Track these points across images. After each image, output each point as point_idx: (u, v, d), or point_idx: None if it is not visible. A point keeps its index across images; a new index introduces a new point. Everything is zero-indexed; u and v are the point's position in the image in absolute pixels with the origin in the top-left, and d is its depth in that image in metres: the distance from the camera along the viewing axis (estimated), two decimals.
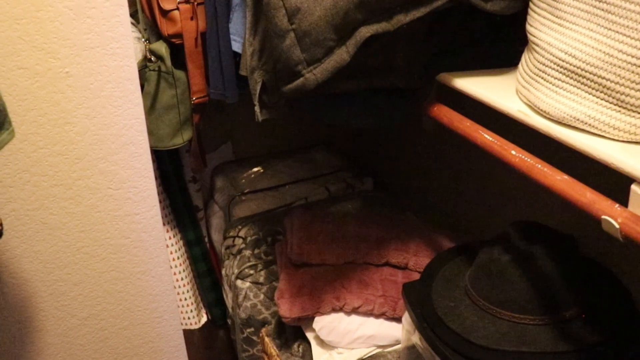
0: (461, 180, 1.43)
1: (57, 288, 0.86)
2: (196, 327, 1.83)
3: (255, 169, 1.77)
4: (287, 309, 1.26)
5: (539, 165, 0.79)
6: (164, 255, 0.89)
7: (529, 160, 0.80)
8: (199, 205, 1.75)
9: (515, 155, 0.81)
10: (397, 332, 1.29)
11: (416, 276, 1.31)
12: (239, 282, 1.46)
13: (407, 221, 1.42)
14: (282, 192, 1.71)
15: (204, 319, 1.86)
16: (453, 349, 0.94)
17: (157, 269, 0.90)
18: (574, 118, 0.74)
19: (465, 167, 1.41)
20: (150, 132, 1.33)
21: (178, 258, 1.71)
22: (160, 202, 1.63)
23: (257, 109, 0.96)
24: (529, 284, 0.94)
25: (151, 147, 1.35)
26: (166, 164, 1.64)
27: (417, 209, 1.63)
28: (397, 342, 1.31)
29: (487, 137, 0.85)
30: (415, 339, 1.08)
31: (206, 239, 1.79)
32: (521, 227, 1.01)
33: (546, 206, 1.19)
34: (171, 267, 1.70)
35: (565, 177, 0.76)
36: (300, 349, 1.36)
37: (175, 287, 1.73)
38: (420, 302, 1.04)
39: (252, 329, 1.52)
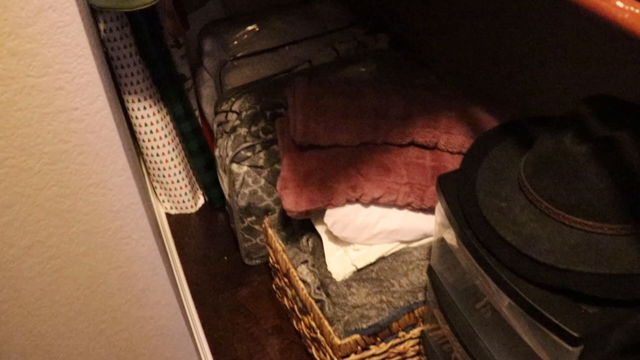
0: (504, 37, 1.14)
1: None
2: (192, 210, 1.64)
3: (250, 28, 1.48)
4: (292, 202, 1.04)
5: None
6: (121, 160, 0.66)
7: None
8: (185, 74, 1.48)
9: (624, 8, 0.54)
10: (425, 224, 1.09)
11: (447, 158, 1.08)
12: (234, 167, 1.23)
13: (435, 90, 1.16)
14: (282, 55, 1.43)
15: (201, 201, 1.66)
16: (510, 268, 0.73)
17: (114, 178, 0.67)
18: None
19: (508, 18, 1.12)
20: None
21: (166, 136, 1.48)
22: (139, 72, 1.37)
23: None
24: (611, 183, 0.71)
25: (112, 9, 1.06)
26: (141, 27, 1.36)
27: (443, 74, 1.36)
28: (425, 236, 1.11)
29: None
30: (450, 238, 0.87)
31: (197, 113, 1.55)
32: (599, 105, 0.76)
33: (627, 77, 0.92)
34: (159, 147, 1.48)
35: None
36: (310, 244, 1.17)
37: (165, 169, 1.52)
38: (461, 200, 0.82)
39: (254, 218, 1.32)
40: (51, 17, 0.55)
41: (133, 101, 1.41)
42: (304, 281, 1.13)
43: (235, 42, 1.46)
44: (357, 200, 1.05)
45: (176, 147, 1.52)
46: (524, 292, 0.70)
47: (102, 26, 1.32)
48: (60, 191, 0.65)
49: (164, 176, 1.54)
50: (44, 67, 0.57)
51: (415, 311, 1.06)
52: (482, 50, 1.21)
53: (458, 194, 0.83)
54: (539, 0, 1.01)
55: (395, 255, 1.10)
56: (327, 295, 1.08)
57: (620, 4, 0.54)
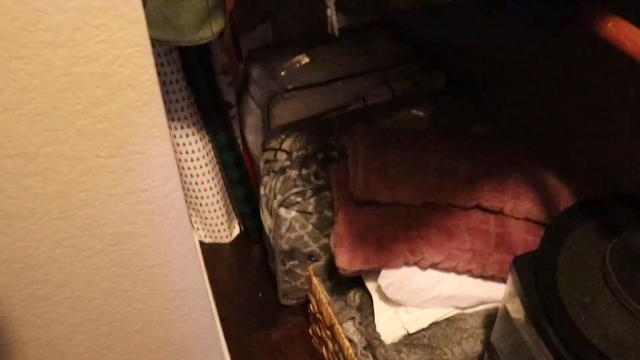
0: (581, 91, 1.07)
1: (33, 292, 0.59)
2: (227, 240, 1.59)
3: (300, 58, 1.42)
4: (346, 260, 0.98)
5: None
6: (189, 241, 0.60)
7: None
8: (231, 102, 1.43)
9: None
10: (483, 291, 1.02)
11: (512, 224, 1.01)
12: (282, 211, 1.18)
13: (500, 145, 1.09)
14: (334, 89, 1.37)
15: (236, 231, 1.61)
16: None
17: (179, 260, 0.61)
18: None
19: (591, 70, 1.04)
20: (168, 22, 0.99)
21: (206, 165, 1.42)
22: (184, 99, 1.32)
23: (331, 13, 0.62)
24: None
25: (168, 42, 1.01)
26: (191, 52, 1.31)
27: (503, 122, 1.29)
28: (481, 303, 1.04)
29: None
30: (515, 310, 0.81)
31: (239, 140, 1.49)
32: None
33: None
34: (198, 175, 1.43)
35: None
36: (357, 298, 1.11)
37: (203, 197, 1.47)
38: (540, 289, 0.76)
39: (296, 262, 1.27)
40: (129, 96, 0.50)
41: (176, 127, 1.36)
42: (350, 340, 1.07)
43: (285, 72, 1.40)
44: (415, 264, 0.99)
45: (216, 176, 1.47)
46: None
47: None
48: (119, 271, 0.60)
49: (200, 205, 1.49)
50: (115, 147, 0.52)
51: None
52: (550, 106, 1.14)
53: (536, 281, 0.76)
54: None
55: (449, 321, 1.04)
56: (375, 357, 1.03)
57: None
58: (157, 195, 0.56)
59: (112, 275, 0.60)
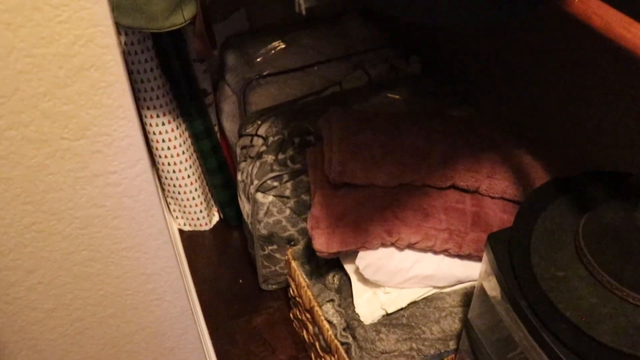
0: (555, 71, 1.08)
1: (3, 278, 0.58)
2: (206, 228, 1.58)
3: (276, 44, 1.41)
4: (323, 243, 0.98)
5: None
6: (159, 223, 0.60)
7: None
8: (207, 89, 1.42)
9: None
10: (460, 270, 1.03)
11: (488, 203, 1.02)
12: (259, 196, 1.18)
13: (474, 127, 1.10)
14: (310, 74, 1.37)
15: (215, 218, 1.61)
16: (569, 348, 0.67)
17: (150, 242, 0.61)
18: None
19: (565, 50, 1.05)
20: (139, 8, 0.98)
21: (183, 153, 1.42)
22: (159, 87, 1.31)
23: None
24: None
25: (139, 29, 1.00)
26: (164, 40, 1.30)
27: (478, 105, 1.29)
28: (459, 282, 1.05)
29: None
30: (491, 288, 0.82)
31: (216, 128, 1.49)
32: None
33: None
34: (176, 164, 1.42)
35: None
36: (336, 281, 1.11)
37: (181, 186, 1.46)
38: (515, 265, 0.76)
39: (275, 246, 1.27)
40: (92, 77, 0.49)
41: (152, 116, 1.35)
42: (329, 322, 1.07)
43: (260, 59, 1.40)
44: (393, 245, 0.99)
45: (193, 164, 1.46)
46: None
47: (122, 38, 1.26)
48: (90, 255, 0.60)
49: (179, 193, 1.49)
50: (80, 129, 0.51)
51: (445, 359, 1.01)
52: (525, 88, 1.15)
53: (511, 258, 0.77)
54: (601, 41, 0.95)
55: (427, 300, 1.04)
56: (354, 338, 1.03)
57: None
58: (126, 177, 0.55)
59: (83, 259, 0.60)
